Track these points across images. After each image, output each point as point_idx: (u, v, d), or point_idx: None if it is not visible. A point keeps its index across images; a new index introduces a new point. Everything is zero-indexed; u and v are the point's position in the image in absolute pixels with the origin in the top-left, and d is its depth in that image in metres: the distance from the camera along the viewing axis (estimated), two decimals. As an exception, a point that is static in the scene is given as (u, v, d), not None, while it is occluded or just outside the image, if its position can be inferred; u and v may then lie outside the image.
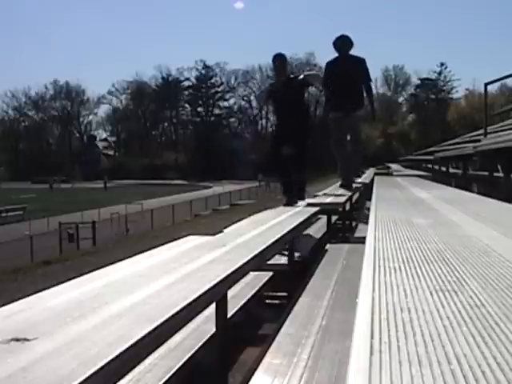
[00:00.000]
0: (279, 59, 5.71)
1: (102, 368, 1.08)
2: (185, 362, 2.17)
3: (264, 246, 2.65)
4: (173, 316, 1.43)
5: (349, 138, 6.71)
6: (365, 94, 6.53)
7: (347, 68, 6.37)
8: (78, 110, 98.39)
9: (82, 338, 1.24)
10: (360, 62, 6.48)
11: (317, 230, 5.53)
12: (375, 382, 0.94)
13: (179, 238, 3.01)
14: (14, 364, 1.09)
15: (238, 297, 3.03)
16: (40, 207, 36.44)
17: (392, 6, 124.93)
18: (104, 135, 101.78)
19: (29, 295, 1.64)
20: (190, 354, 2.24)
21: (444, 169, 15.19)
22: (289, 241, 3.54)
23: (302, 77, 5.68)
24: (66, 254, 19.49)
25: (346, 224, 6.14)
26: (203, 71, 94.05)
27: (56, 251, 20.47)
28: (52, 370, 1.06)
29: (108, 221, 27.56)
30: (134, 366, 1.37)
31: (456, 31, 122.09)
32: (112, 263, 2.20)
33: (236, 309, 2.83)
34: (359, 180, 8.33)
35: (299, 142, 5.52)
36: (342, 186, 6.68)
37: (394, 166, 27.37)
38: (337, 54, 6.56)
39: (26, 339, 1.22)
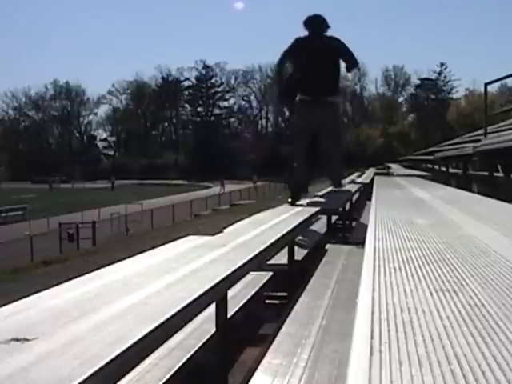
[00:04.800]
0: None
1: (101, 368, 1.08)
2: (185, 362, 2.17)
3: (264, 246, 2.65)
4: (173, 316, 1.43)
5: (325, 131, 5.60)
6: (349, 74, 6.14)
7: (322, 46, 5.52)
8: (77, 110, 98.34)
9: (82, 337, 1.24)
10: (337, 42, 5.57)
11: (317, 230, 5.53)
12: (375, 382, 0.94)
13: (179, 238, 3.01)
14: (14, 364, 1.08)
15: (237, 297, 3.03)
16: (40, 207, 36.41)
17: (392, 5, 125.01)
18: (104, 135, 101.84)
19: (29, 295, 1.64)
20: (190, 354, 2.24)
21: (444, 169, 15.18)
22: (289, 241, 3.53)
23: None
24: (66, 253, 19.49)
25: (346, 224, 6.14)
26: (203, 71, 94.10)
27: (56, 251, 20.48)
28: (52, 370, 1.06)
29: (108, 221, 27.55)
30: (134, 366, 1.37)
31: (456, 31, 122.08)
32: (112, 263, 2.20)
33: (236, 309, 2.83)
34: (347, 181, 7.65)
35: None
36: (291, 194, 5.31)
37: (394, 166, 27.33)
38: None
39: (25, 339, 1.21)
